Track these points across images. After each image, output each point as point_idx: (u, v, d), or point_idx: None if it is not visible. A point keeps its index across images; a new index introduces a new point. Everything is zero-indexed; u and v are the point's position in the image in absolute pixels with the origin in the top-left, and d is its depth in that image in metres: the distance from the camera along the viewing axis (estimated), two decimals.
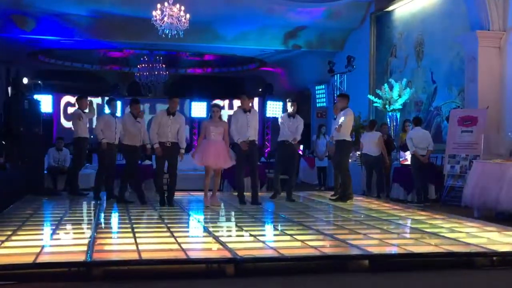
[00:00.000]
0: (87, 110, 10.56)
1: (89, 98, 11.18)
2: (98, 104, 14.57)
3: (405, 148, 10.82)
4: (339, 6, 14.26)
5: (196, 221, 7.69)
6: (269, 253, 5.34)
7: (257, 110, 10.78)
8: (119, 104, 11.98)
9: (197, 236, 6.56)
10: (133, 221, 7.18)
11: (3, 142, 10.49)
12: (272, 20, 14.58)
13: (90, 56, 18.75)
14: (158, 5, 12.20)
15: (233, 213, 8.49)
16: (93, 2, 13.55)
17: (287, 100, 10.16)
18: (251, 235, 6.15)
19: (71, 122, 11.27)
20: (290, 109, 9.81)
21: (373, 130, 11.20)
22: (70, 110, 15.12)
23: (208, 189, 9.01)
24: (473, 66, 10.34)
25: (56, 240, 6.03)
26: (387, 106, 12.84)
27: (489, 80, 10.21)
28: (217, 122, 8.91)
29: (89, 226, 6.94)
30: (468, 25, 10.61)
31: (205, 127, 8.92)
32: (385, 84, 13.05)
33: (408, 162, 10.84)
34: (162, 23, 12.16)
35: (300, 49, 16.10)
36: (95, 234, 6.18)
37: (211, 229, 6.67)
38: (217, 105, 9.30)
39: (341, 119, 9.48)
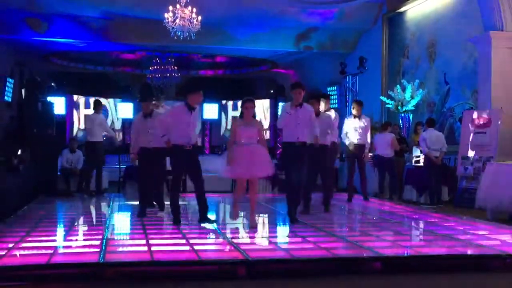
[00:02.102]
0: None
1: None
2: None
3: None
4: (351, 7, 14.21)
5: (207, 223, 7.69)
6: (281, 255, 5.33)
7: (269, 112, 10.02)
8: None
9: (209, 238, 6.57)
10: (145, 223, 7.21)
11: (17, 144, 10.58)
12: (283, 21, 14.57)
13: (102, 58, 18.86)
14: (170, 7, 12.25)
15: (244, 215, 8.48)
16: (106, 5, 13.63)
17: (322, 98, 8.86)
18: (263, 236, 6.15)
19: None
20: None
21: (386, 131, 11.12)
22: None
23: (238, 202, 7.21)
24: (486, 67, 10.27)
25: (69, 241, 6.07)
26: (399, 107, 12.78)
27: (502, 80, 10.12)
28: (250, 121, 6.93)
29: (102, 227, 6.97)
30: (481, 25, 10.53)
31: (235, 128, 6.99)
32: (397, 85, 13.00)
33: (421, 164, 10.79)
34: (174, 25, 12.20)
35: (312, 51, 16.08)
36: (108, 235, 6.22)
37: (223, 231, 6.67)
38: (250, 100, 7.01)
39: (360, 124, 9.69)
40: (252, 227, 6.86)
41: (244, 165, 6.77)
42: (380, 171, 11.14)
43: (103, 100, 15.09)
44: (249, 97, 7.05)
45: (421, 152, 10.74)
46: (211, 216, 7.33)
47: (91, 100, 13.82)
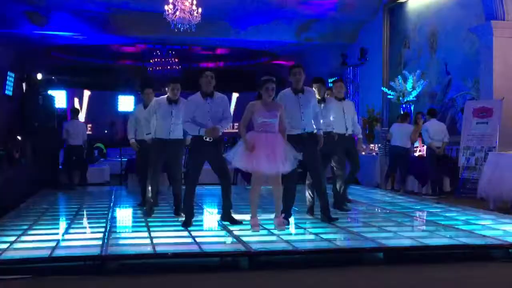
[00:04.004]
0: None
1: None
2: None
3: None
4: None
5: (209, 215, 7.70)
6: (283, 246, 5.33)
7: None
8: None
9: (211, 230, 6.57)
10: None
11: (18, 137, 10.60)
12: (284, 13, 14.53)
13: (103, 51, 18.84)
14: None
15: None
16: None
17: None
18: (265, 228, 6.14)
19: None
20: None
21: (405, 122, 10.92)
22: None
23: (256, 205, 6.19)
24: (488, 57, 10.23)
25: (71, 234, 6.07)
26: (401, 98, 12.75)
27: (504, 70, 10.09)
28: (270, 104, 5.94)
29: (104, 220, 6.98)
30: (483, 15, 10.49)
31: (251, 111, 5.93)
32: (399, 76, 12.95)
33: (421, 153, 10.77)
34: (174, 17, 12.16)
35: (312, 42, 16.03)
36: (110, 228, 6.23)
37: (224, 223, 6.67)
38: (271, 80, 5.98)
39: None
40: (280, 228, 6.00)
41: (265, 157, 5.76)
42: (392, 162, 10.89)
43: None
44: (270, 77, 6.01)
45: (423, 142, 10.72)
46: (236, 216, 6.64)
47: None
